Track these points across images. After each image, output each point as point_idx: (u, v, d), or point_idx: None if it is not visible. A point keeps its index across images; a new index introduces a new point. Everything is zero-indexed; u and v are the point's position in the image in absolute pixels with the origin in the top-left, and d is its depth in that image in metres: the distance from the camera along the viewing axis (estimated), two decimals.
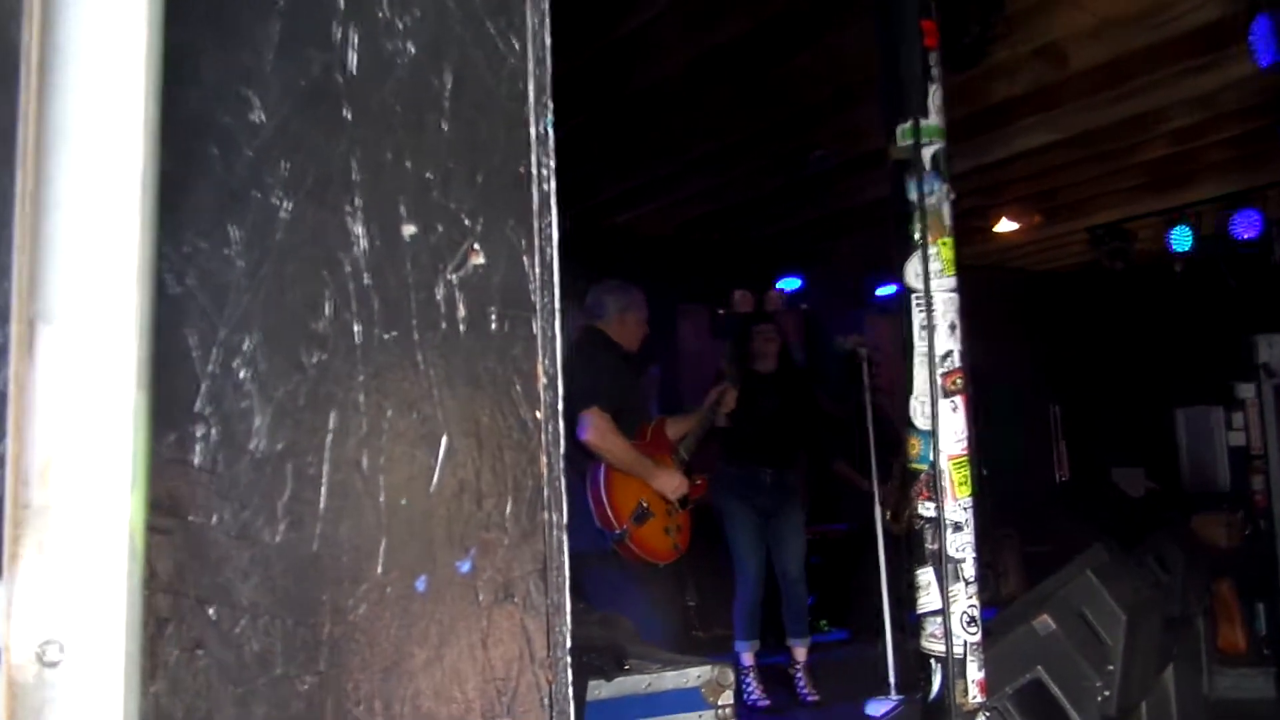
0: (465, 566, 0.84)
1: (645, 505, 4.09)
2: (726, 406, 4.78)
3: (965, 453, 2.50)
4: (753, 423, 5.57)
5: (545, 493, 0.88)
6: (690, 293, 7.81)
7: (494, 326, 0.87)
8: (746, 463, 5.56)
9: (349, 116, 0.81)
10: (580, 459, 3.96)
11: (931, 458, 2.46)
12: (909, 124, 2.51)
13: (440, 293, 0.85)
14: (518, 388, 0.88)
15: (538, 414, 0.89)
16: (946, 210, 2.53)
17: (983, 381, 9.81)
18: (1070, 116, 5.53)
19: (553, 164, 0.91)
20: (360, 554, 0.79)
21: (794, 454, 5.77)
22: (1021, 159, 6.25)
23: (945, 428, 2.45)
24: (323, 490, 0.78)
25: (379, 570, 0.79)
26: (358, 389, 0.80)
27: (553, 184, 0.91)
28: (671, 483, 4.18)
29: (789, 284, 7.96)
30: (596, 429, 3.90)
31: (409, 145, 0.84)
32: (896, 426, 6.50)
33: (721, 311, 6.85)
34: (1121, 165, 6.58)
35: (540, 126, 0.91)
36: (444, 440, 0.83)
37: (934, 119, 2.53)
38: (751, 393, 5.68)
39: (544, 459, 0.89)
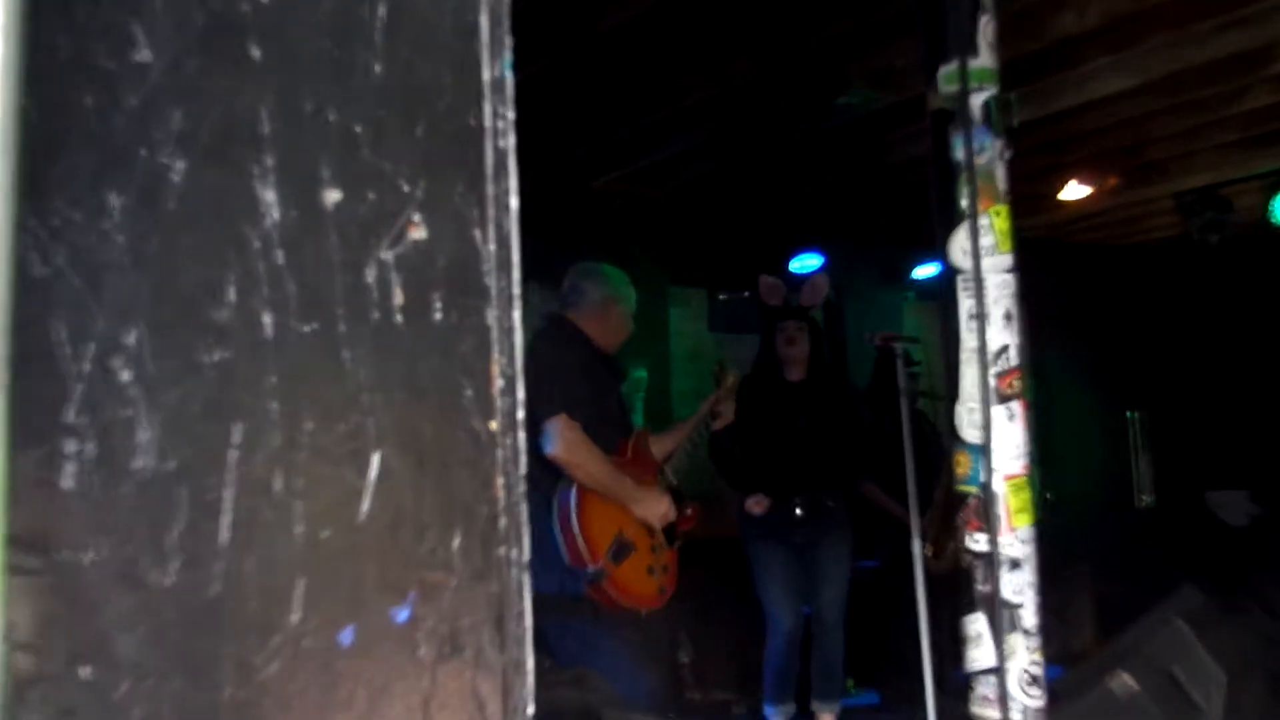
0: (402, 614, 0.84)
1: (626, 538, 4.09)
2: (722, 421, 4.81)
3: (1024, 472, 2.52)
4: (777, 446, 5.62)
5: (502, 522, 0.88)
6: (684, 273, 7.83)
7: (438, 317, 0.87)
8: (773, 495, 5.62)
9: (258, 56, 0.81)
10: (545, 480, 3.96)
11: (983, 478, 2.47)
12: (954, 65, 2.52)
13: (371, 275, 0.85)
14: (468, 392, 0.88)
15: (492, 424, 0.89)
16: (1001, 172, 2.54)
17: (1046, 383, 9.89)
18: (1154, 55, 5.56)
19: (511, 115, 0.91)
20: (272, 599, 0.79)
21: (828, 475, 5.82)
22: (1093, 109, 6.28)
23: (1000, 441, 2.47)
24: (225, 520, 0.78)
25: (295, 619, 0.79)
26: (269, 394, 0.80)
27: (511, 139, 0.91)
28: (658, 509, 4.18)
29: (806, 263, 7.99)
30: (566, 442, 3.90)
31: (333, 92, 0.84)
32: (939, 439, 6.51)
33: (723, 298, 6.87)
34: (1217, 117, 6.62)
35: (496, 68, 0.91)
36: (376, 457, 0.84)
37: (985, 59, 2.54)
38: (775, 407, 5.72)
39: (500, 480, 0.89)
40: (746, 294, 7.39)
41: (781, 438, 5.65)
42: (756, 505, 5.59)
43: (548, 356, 4.08)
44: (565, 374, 4.03)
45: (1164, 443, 9.52)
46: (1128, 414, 9.53)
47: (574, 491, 3.99)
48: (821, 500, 5.69)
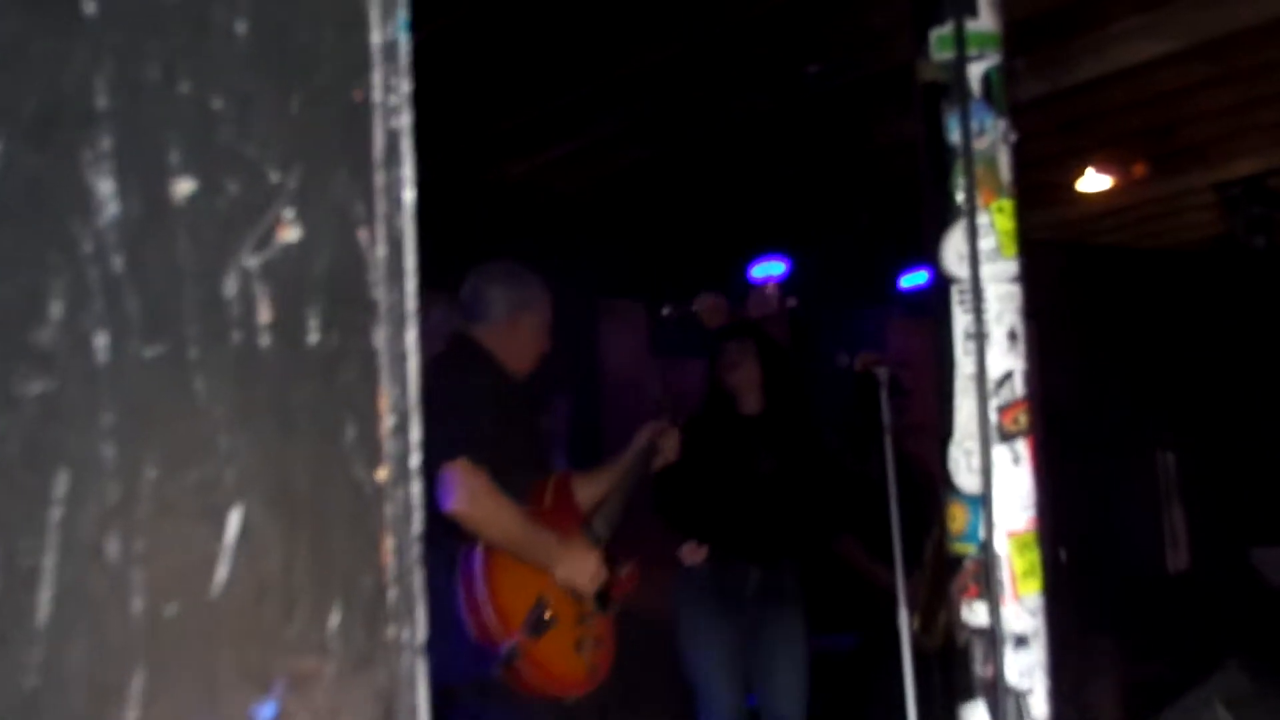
0: (267, 710, 0.83)
1: (546, 607, 4.08)
2: (666, 456, 4.81)
3: (1033, 527, 2.55)
4: (735, 495, 5.61)
5: (391, 595, 0.88)
6: (617, 282, 7.84)
7: (314, 338, 0.87)
8: (723, 554, 5.60)
9: (92, 12, 0.81)
10: (446, 539, 3.95)
11: (983, 535, 2.50)
12: (948, 28, 2.56)
13: (232, 285, 0.85)
14: (351, 432, 0.88)
15: (380, 473, 0.89)
16: (1005, 158, 2.58)
17: (1059, 418, 9.99)
18: (1189, 16, 5.65)
19: (407, 87, 0.92)
20: (103, 692, 0.78)
21: (794, 542, 5.81)
22: (1118, 81, 6.37)
23: (1004, 489, 2.49)
24: (45, 594, 0.77)
25: (132, 717, 0.79)
26: (102, 435, 0.80)
27: (407, 118, 0.92)
28: (586, 570, 4.18)
29: (768, 269, 8.04)
30: (469, 492, 3.89)
31: (185, 58, 0.84)
32: (929, 486, 6.57)
33: (666, 312, 6.91)
34: (1267, 92, 6.74)
35: (388, 30, 0.91)
36: (236, 514, 0.83)
37: (986, 20, 2.58)
38: (731, 445, 5.72)
39: (390, 542, 0.89)
40: (694, 308, 7.43)
41: (740, 485, 5.65)
42: (691, 554, 5.56)
43: (444, 387, 4.07)
44: (466, 407, 4.02)
45: (1202, 490, 9.66)
46: (1158, 455, 9.66)
47: (480, 553, 3.98)
48: (780, 575, 5.68)
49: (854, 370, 5.83)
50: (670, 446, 4.84)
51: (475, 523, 3.93)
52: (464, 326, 4.37)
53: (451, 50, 5.52)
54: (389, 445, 0.89)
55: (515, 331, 4.35)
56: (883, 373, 5.68)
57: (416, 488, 0.90)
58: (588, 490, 4.57)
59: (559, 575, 4.14)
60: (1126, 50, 5.95)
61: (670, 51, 5.79)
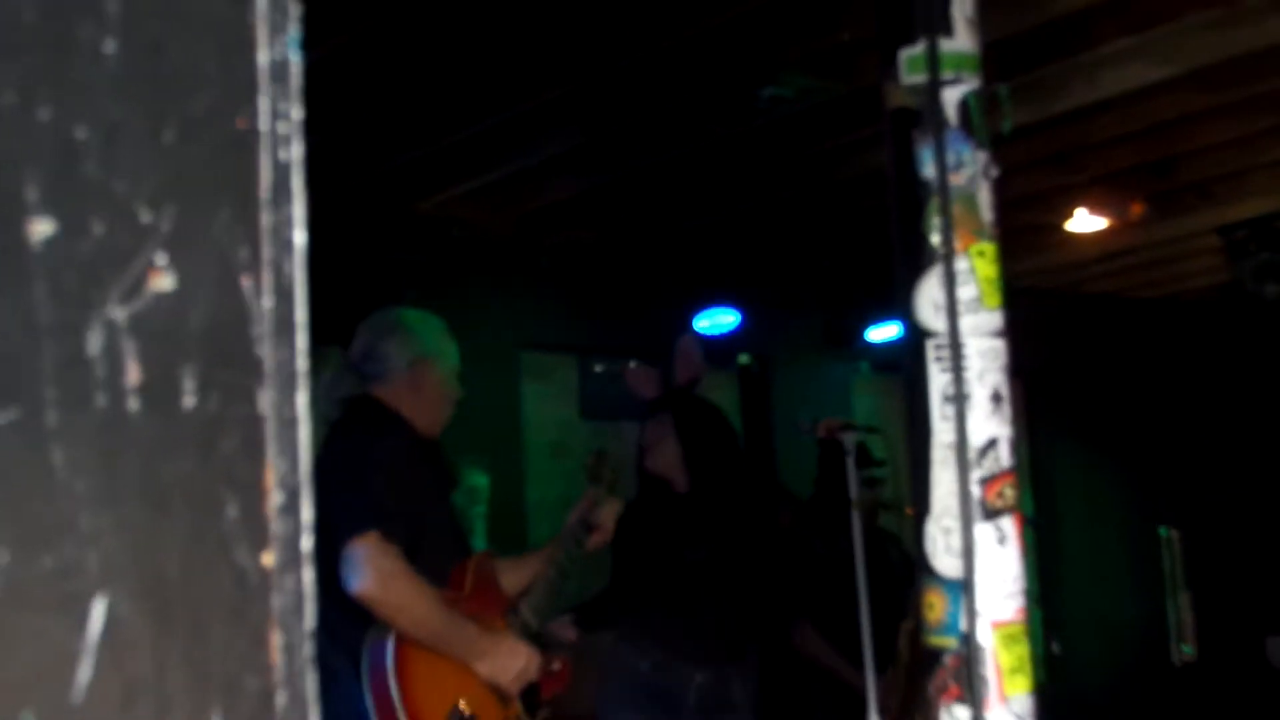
0: None
1: (466, 710, 4.06)
2: (601, 536, 4.77)
3: (1021, 617, 2.55)
4: (663, 585, 5.58)
5: (280, 699, 0.88)
6: (544, 333, 7.85)
7: (191, 402, 0.87)
8: (660, 656, 5.55)
9: None
10: (349, 629, 3.92)
11: (964, 626, 2.50)
12: (920, 47, 2.58)
13: (95, 341, 0.84)
14: (232, 511, 0.87)
15: (266, 558, 0.88)
16: (986, 196, 2.60)
17: (1050, 492, 10.03)
18: (1190, 38, 5.72)
19: (298, 114, 0.92)
20: None
21: (741, 642, 5.76)
22: (1111, 109, 6.45)
23: (988, 573, 2.50)
24: None
25: None
26: None
27: (298, 148, 0.91)
28: (511, 666, 4.16)
29: (718, 320, 8.05)
30: (380, 572, 3.87)
31: (45, 81, 0.83)
32: (909, 570, 6.57)
33: (600, 369, 6.91)
34: (1274, 124, 6.83)
35: (277, 49, 0.91)
36: (100, 606, 0.82)
37: (963, 39, 2.61)
38: (658, 531, 5.69)
39: (278, 638, 0.88)
40: (633, 364, 7.42)
41: (669, 576, 5.61)
42: (564, 629, 5.47)
43: (348, 453, 4.05)
44: (373, 475, 4.01)
45: (1209, 571, 9.71)
46: (1161, 532, 9.72)
47: (391, 645, 3.95)
48: (726, 684, 5.63)
49: (816, 437, 5.85)
50: (610, 520, 4.80)
51: (387, 608, 3.90)
52: (360, 385, 4.36)
53: (351, 70, 5.51)
54: (276, 526, 0.89)
55: (419, 388, 4.34)
56: (849, 439, 5.68)
57: (308, 575, 0.90)
58: (513, 575, 4.55)
59: (481, 671, 4.11)
60: (1119, 76, 6.01)
61: (607, 71, 5.80)
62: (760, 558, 5.86)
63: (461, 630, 4.10)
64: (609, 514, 4.80)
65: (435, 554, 4.15)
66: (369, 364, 4.37)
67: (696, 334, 6.56)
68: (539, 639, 4.41)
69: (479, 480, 7.03)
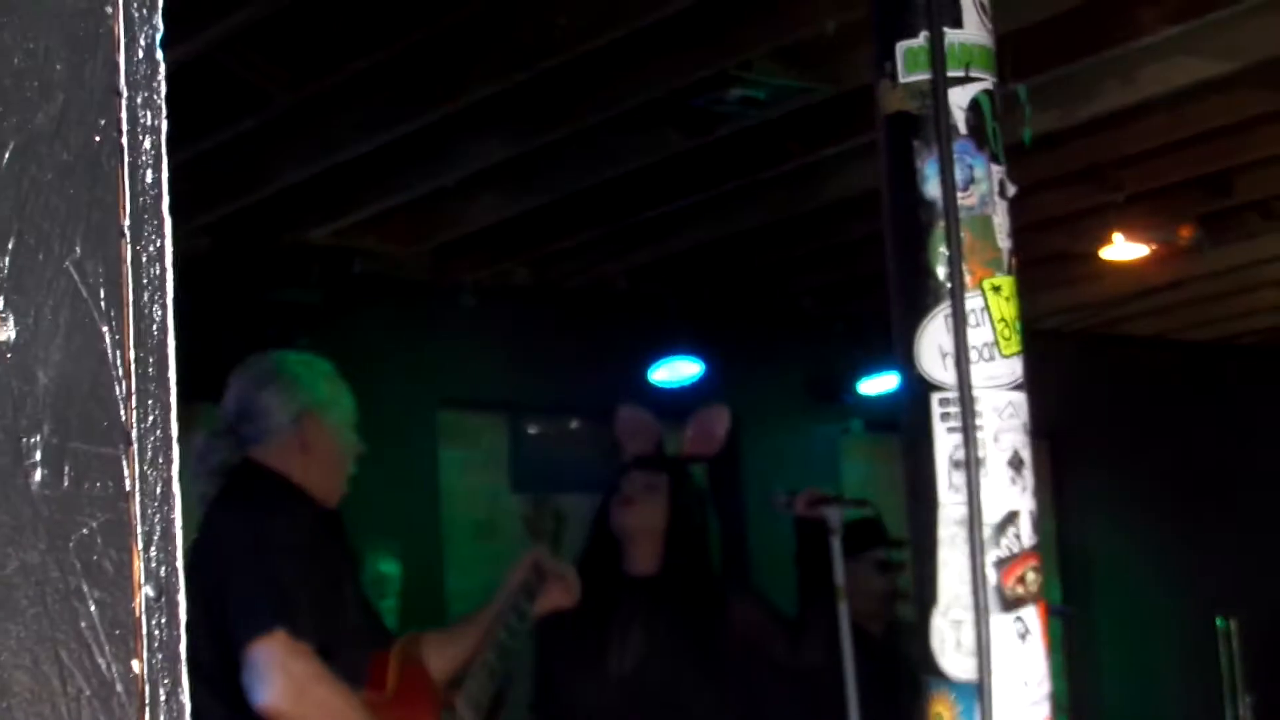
0: None
1: None
2: (555, 596, 4.73)
3: None
4: (603, 691, 5.55)
5: None
6: (467, 387, 7.83)
7: (38, 477, 0.86)
8: None
9: None
10: None
11: None
12: (922, 40, 2.59)
13: None
14: (91, 610, 0.87)
15: (136, 665, 0.88)
16: (1002, 219, 2.61)
17: (1080, 573, 10.04)
18: (1248, 27, 5.75)
19: (163, 123, 0.92)
20: None
21: None
22: (1154, 113, 6.48)
23: (1007, 674, 2.50)
24: None
25: None
26: None
27: (164, 167, 0.91)
28: None
29: (674, 372, 8.05)
30: (291, 680, 3.84)
31: None
32: (901, 671, 6.56)
33: (535, 431, 6.87)
34: None
35: (141, 42, 0.91)
36: None
37: (973, 29, 2.62)
38: (596, 630, 5.65)
39: None
40: (575, 423, 7.40)
41: (593, 691, 5.58)
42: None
43: (236, 536, 4.03)
44: (271, 561, 3.97)
45: (1276, 669, 9.73)
46: (1218, 623, 9.73)
47: None
48: None
49: (794, 515, 5.83)
50: (560, 581, 4.74)
51: None
52: (239, 453, 4.32)
53: (225, 69, 5.48)
54: (147, 626, 0.88)
55: (307, 445, 4.30)
56: (834, 514, 5.66)
57: (183, 691, 0.89)
58: (444, 656, 4.52)
59: None
60: (1163, 72, 6.01)
61: (535, 67, 5.78)
62: (715, 677, 5.82)
63: None
64: (557, 572, 4.74)
65: (349, 647, 4.14)
66: (247, 423, 4.32)
67: (722, 406, 6.51)
68: None
69: (388, 568, 6.98)
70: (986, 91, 2.61)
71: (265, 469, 4.27)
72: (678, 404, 7.74)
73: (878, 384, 8.25)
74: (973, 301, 2.55)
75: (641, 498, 5.76)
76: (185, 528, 0.92)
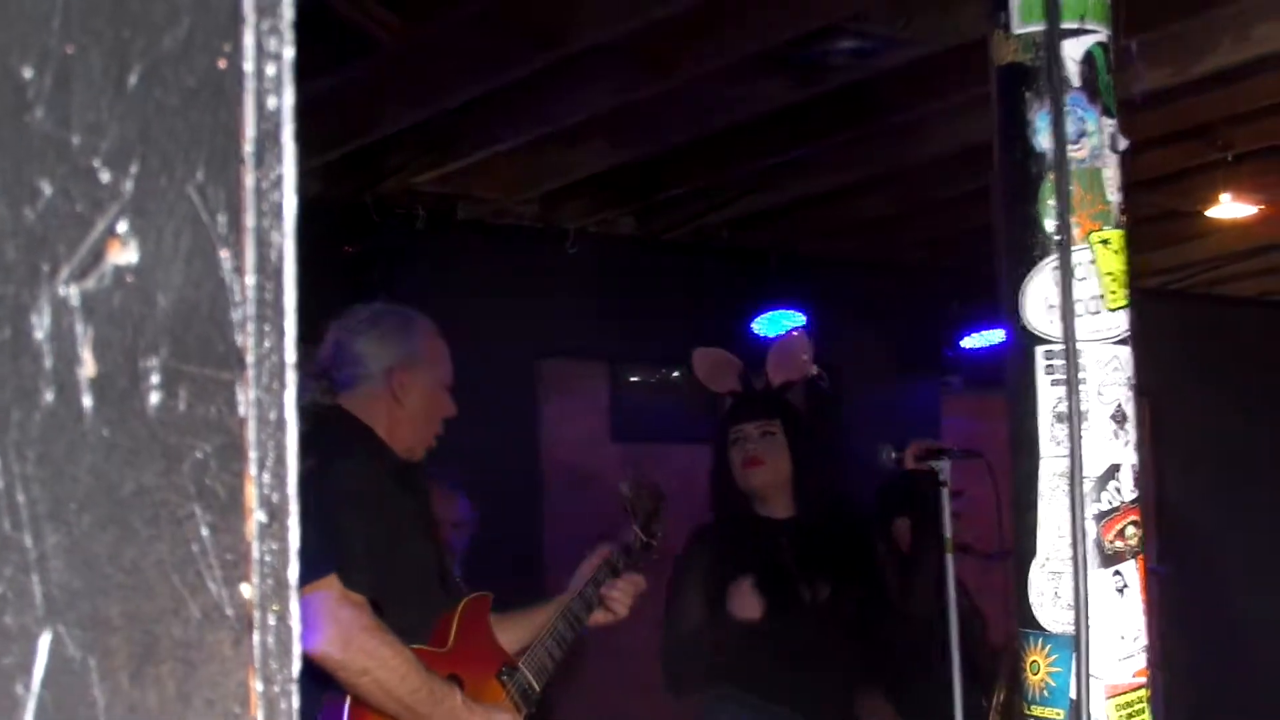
0: None
1: None
2: (614, 609, 4.69)
3: (1143, 682, 2.54)
4: (771, 641, 5.57)
5: None
6: (566, 337, 7.83)
7: (156, 401, 0.87)
8: (759, 696, 5.57)
9: None
10: (304, 698, 3.90)
11: (1074, 692, 2.49)
12: None
13: (41, 325, 0.84)
14: (204, 533, 0.88)
15: (247, 589, 0.88)
16: (1113, 173, 2.59)
17: (1177, 532, 9.97)
18: None
19: (290, 51, 0.91)
20: None
21: (844, 693, 5.80)
22: (1267, 70, 6.41)
23: (1104, 629, 2.49)
24: None
25: None
26: None
27: (290, 95, 0.91)
28: None
29: (779, 324, 8.03)
30: (341, 628, 3.84)
31: None
32: (983, 626, 6.54)
33: (636, 380, 6.86)
34: None
35: None
36: (44, 642, 0.83)
37: None
38: (766, 563, 5.67)
39: (257, 685, 0.89)
40: (676, 374, 7.39)
41: (777, 626, 5.60)
42: (744, 606, 5.49)
43: (305, 479, 4.02)
44: (335, 507, 3.95)
45: None
46: None
47: (348, 707, 3.92)
48: None
49: (902, 468, 5.80)
50: (621, 597, 4.71)
51: (347, 672, 3.86)
52: (326, 393, 4.30)
53: (335, 13, 5.50)
54: (258, 551, 0.89)
55: (399, 401, 4.29)
56: (944, 468, 5.63)
57: (295, 610, 0.90)
58: (513, 630, 4.52)
59: None
60: (1276, 30, 5.96)
61: (646, 16, 5.77)
62: (876, 602, 5.86)
63: (439, 701, 4.03)
64: (625, 593, 4.71)
65: (413, 602, 4.13)
66: (339, 369, 4.31)
67: (805, 331, 6.47)
68: (542, 708, 4.40)
69: (467, 509, 6.92)
70: (1100, 44, 2.59)
71: (350, 416, 4.27)
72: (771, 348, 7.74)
73: (981, 339, 8.21)
74: (1080, 255, 2.53)
75: (760, 450, 5.76)
76: (297, 454, 0.92)
